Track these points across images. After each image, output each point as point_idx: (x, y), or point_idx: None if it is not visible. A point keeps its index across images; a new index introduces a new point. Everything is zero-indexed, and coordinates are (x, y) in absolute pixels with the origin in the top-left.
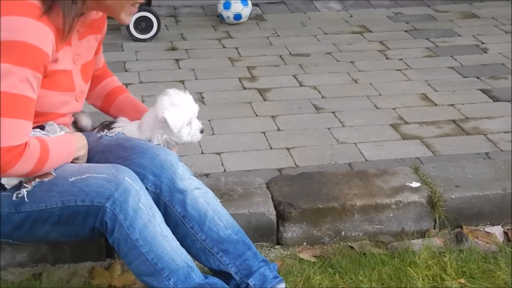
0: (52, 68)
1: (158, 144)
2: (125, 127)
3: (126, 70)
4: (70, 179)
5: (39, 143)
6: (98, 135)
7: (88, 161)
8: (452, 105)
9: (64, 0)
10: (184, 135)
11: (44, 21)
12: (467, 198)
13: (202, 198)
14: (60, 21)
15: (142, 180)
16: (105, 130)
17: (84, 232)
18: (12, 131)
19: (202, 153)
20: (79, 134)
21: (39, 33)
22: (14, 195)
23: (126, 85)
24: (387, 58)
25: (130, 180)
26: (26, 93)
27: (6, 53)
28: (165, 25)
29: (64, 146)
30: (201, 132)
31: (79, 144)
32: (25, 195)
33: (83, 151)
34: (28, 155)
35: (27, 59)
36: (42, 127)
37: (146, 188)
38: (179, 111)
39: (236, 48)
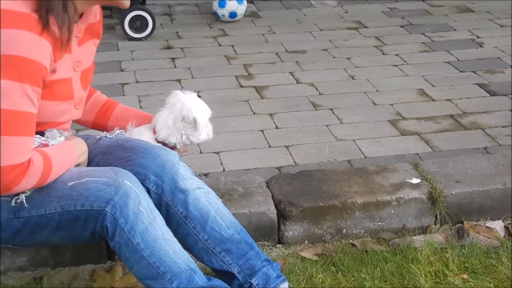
0: (51, 79)
1: (173, 145)
2: (133, 130)
3: (122, 70)
4: (69, 184)
5: (41, 157)
6: (97, 136)
7: (89, 163)
8: (449, 100)
9: (56, 11)
10: (203, 134)
11: (41, 34)
12: (467, 194)
13: (204, 198)
14: (57, 31)
15: (143, 181)
16: (104, 132)
17: (85, 236)
18: (15, 149)
19: (201, 152)
20: (79, 139)
21: (36, 46)
22: (13, 201)
23: (122, 84)
24: (383, 54)
25: (129, 183)
26: (26, 109)
27: (4, 69)
28: (160, 24)
29: (65, 156)
30: None
31: (79, 150)
32: (24, 201)
33: (84, 157)
34: (32, 172)
35: (26, 74)
36: (41, 133)
37: (148, 188)
38: (205, 111)
39: (232, 46)
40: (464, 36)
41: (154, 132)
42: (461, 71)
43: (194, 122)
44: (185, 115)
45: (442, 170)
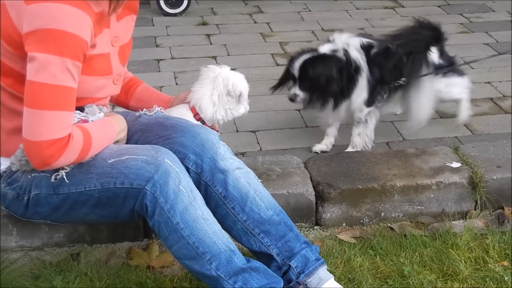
0: (90, 53)
1: (213, 124)
2: (172, 111)
3: (157, 46)
4: (109, 161)
5: (81, 132)
6: (137, 114)
7: (128, 140)
8: (488, 82)
9: None
10: (243, 107)
11: (81, 7)
12: (508, 179)
13: (243, 178)
14: (101, 3)
15: (183, 159)
16: (144, 109)
17: (123, 214)
18: (55, 124)
19: (237, 131)
20: (119, 116)
21: (76, 20)
22: (53, 177)
23: (158, 60)
24: None
25: (170, 162)
26: (67, 83)
27: (43, 43)
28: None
29: (105, 132)
30: None
31: (119, 127)
32: (64, 177)
33: (123, 134)
34: (71, 147)
35: (66, 48)
36: (81, 109)
37: (187, 167)
38: (246, 84)
39: (268, 23)
40: (502, 18)
41: (193, 111)
42: (500, 53)
43: (239, 96)
44: (230, 90)
45: (482, 154)
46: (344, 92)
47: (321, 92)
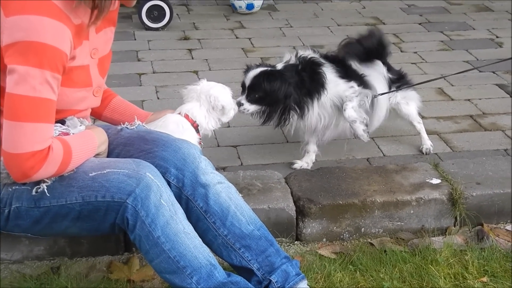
0: (70, 65)
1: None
2: (168, 118)
3: (139, 60)
4: (90, 174)
5: (61, 145)
6: (119, 127)
7: (109, 153)
8: (469, 100)
9: None
10: (232, 111)
11: (60, 19)
12: (488, 196)
13: (224, 192)
14: (80, 15)
15: (164, 174)
16: (126, 122)
17: (104, 228)
18: (35, 136)
19: (218, 145)
20: (99, 129)
21: (56, 32)
22: (34, 190)
23: (140, 74)
24: (401, 51)
25: (151, 175)
26: (46, 95)
27: (23, 55)
28: (177, 14)
29: (85, 144)
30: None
31: (100, 140)
32: (45, 190)
33: (104, 147)
34: (51, 159)
35: (46, 60)
36: (62, 122)
37: (168, 181)
38: (227, 94)
39: (249, 39)
40: (483, 36)
41: (188, 118)
42: (480, 71)
43: (222, 108)
44: (213, 104)
45: (462, 171)
46: (311, 91)
47: (274, 107)
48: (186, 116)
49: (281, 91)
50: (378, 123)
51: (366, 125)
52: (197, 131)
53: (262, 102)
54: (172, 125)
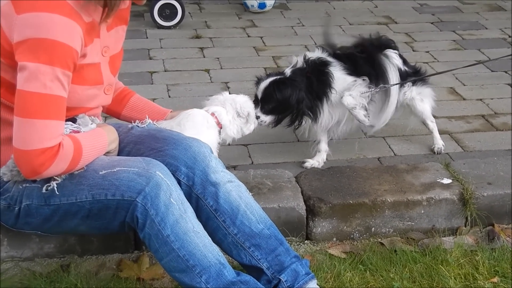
0: (81, 63)
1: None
2: (194, 111)
3: (150, 58)
4: (100, 173)
5: (72, 142)
6: (129, 125)
7: (120, 152)
8: (480, 99)
9: None
10: (253, 124)
11: (71, 16)
12: (499, 196)
13: (234, 191)
14: (91, 13)
15: (174, 172)
16: (136, 121)
17: (114, 226)
18: (46, 133)
19: (229, 144)
20: (110, 127)
21: (67, 29)
22: (44, 188)
23: (151, 73)
24: (413, 50)
25: (161, 174)
26: (57, 92)
27: (34, 52)
28: (189, 13)
29: (96, 142)
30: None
31: (110, 138)
32: (55, 188)
33: (114, 145)
34: (62, 156)
35: (56, 58)
36: (73, 120)
37: (179, 180)
38: (251, 105)
39: (261, 37)
40: (495, 35)
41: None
42: (492, 71)
43: (248, 116)
44: (239, 111)
45: (473, 171)
46: (319, 94)
47: (288, 113)
48: (213, 115)
49: (293, 98)
50: (389, 114)
51: (366, 110)
52: (219, 133)
53: (277, 111)
54: (200, 118)
